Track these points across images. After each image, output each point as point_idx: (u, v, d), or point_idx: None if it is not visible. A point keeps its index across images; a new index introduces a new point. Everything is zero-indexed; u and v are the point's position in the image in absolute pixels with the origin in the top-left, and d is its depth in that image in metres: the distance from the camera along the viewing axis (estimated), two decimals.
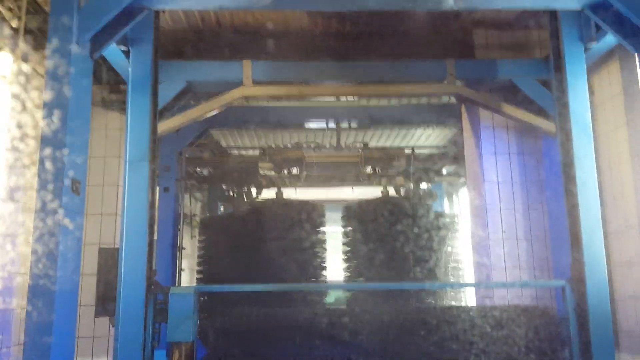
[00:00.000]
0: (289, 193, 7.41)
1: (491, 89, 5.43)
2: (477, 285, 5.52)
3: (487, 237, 5.32)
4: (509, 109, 5.10)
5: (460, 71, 5.21)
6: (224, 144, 8.18)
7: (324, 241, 5.99)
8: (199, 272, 6.61)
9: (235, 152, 8.58)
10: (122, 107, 5.50)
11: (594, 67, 4.80)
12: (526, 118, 5.05)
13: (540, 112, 5.04)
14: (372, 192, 7.88)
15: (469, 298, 7.39)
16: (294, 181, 6.93)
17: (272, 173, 6.95)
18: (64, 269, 3.15)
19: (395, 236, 6.01)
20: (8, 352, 3.93)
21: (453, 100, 6.39)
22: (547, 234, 5.27)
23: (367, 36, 5.56)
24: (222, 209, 8.99)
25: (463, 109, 5.98)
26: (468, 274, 7.17)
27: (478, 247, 5.55)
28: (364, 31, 5.59)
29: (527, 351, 3.83)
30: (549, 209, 5.28)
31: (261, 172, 6.95)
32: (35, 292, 3.04)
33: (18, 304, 3.94)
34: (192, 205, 9.66)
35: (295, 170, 6.97)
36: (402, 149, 7.22)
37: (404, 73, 5.27)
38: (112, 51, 4.34)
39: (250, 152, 8.64)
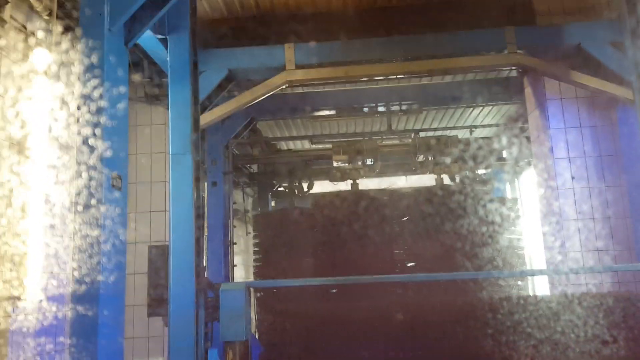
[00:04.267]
0: (340, 186, 7.13)
1: (557, 57, 4.96)
2: (561, 272, 4.91)
3: (560, 219, 4.86)
4: (580, 77, 4.65)
5: (521, 39, 4.79)
6: (270, 135, 7.98)
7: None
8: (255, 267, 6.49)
9: (283, 143, 8.37)
10: (165, 102, 5.37)
11: None
12: (599, 86, 4.60)
13: (615, 78, 4.56)
14: (425, 180, 7.52)
15: (538, 285, 6.92)
16: (355, 173, 6.63)
17: (344, 165, 6.72)
18: (108, 266, 2.99)
19: (454, 224, 5.70)
20: (62, 351, 3.85)
21: (514, 72, 5.91)
22: (628, 213, 4.76)
23: (416, 9, 5.18)
24: (272, 203, 8.81)
25: (526, 81, 5.50)
26: (539, 261, 6.70)
27: (550, 231, 5.09)
28: (413, 4, 5.21)
29: (617, 339, 3.42)
30: (629, 184, 4.77)
31: (335, 164, 6.78)
32: (79, 291, 2.89)
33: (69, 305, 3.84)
34: (245, 200, 9.55)
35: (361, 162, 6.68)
36: (456, 135, 6.78)
37: (459, 46, 4.89)
38: (150, 41, 4.20)
39: (299, 143, 8.42)
